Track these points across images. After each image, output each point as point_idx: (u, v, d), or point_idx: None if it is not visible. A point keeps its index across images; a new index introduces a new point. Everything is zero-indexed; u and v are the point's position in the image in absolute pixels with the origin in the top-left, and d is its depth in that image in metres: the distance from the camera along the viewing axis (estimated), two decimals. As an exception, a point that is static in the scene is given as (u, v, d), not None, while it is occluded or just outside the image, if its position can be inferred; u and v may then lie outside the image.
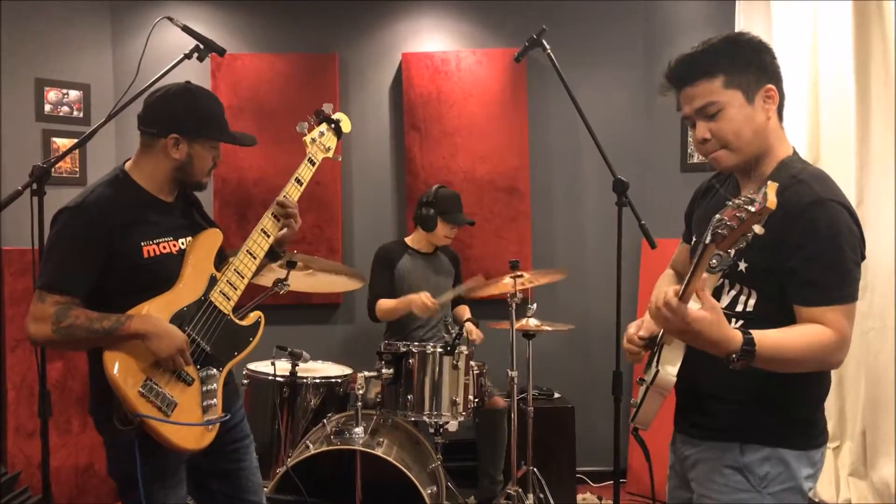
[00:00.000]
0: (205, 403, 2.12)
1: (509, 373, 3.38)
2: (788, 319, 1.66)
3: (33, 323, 2.00)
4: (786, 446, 1.72)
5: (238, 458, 2.36)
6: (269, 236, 2.35)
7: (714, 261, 1.57)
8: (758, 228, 1.44)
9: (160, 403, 2.01)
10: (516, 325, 3.42)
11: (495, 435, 3.76)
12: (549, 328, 3.54)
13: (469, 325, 3.73)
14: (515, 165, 4.52)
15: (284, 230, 2.40)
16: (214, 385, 2.16)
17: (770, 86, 1.73)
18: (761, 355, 1.57)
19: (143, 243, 2.12)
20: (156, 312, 2.07)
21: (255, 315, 2.32)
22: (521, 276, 3.39)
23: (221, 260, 2.33)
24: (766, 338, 1.59)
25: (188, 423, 2.06)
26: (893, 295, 3.23)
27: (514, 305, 3.37)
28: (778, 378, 1.67)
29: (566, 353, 4.51)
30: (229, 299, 2.24)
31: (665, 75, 1.79)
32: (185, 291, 2.16)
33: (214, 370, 2.17)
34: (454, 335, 3.24)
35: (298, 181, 2.47)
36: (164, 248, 2.17)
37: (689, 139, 4.36)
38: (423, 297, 3.61)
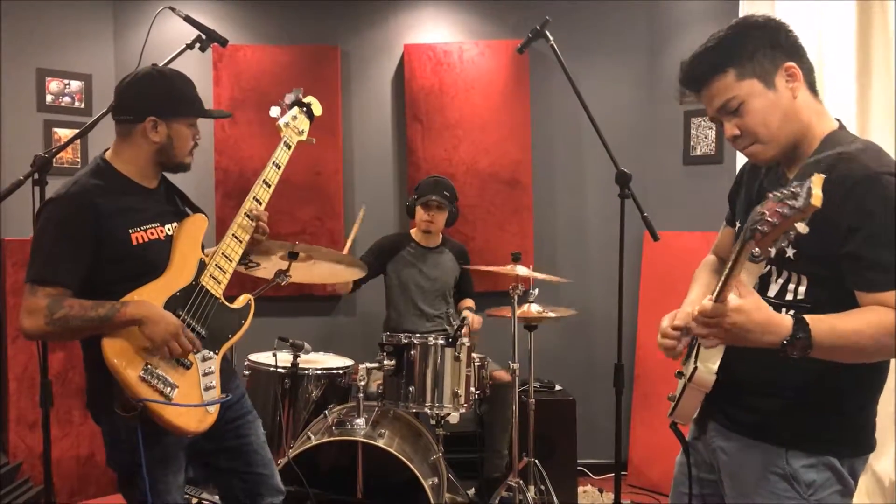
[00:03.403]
0: (204, 386, 2.14)
1: (511, 364, 3.37)
2: (843, 305, 1.52)
3: (27, 316, 2.00)
4: (835, 455, 1.61)
5: (242, 434, 2.36)
6: (253, 221, 2.37)
7: (757, 249, 1.46)
8: (801, 227, 1.31)
9: (162, 387, 2.02)
10: (518, 315, 3.42)
11: (502, 408, 3.72)
12: (550, 314, 3.54)
13: (467, 312, 3.76)
14: (518, 158, 4.51)
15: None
16: (212, 368, 2.18)
17: (789, 63, 1.62)
18: (819, 340, 1.45)
19: (130, 230, 2.11)
20: (150, 298, 2.07)
21: (244, 298, 2.34)
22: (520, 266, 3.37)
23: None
24: (821, 321, 1.47)
25: (191, 405, 2.07)
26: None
27: (515, 296, 3.36)
28: (827, 376, 1.56)
29: (568, 345, 4.51)
30: (219, 283, 2.25)
31: (679, 80, 1.72)
32: (176, 277, 2.17)
33: (212, 353, 2.19)
34: (456, 327, 3.24)
35: (276, 165, 2.50)
36: (152, 234, 2.17)
37: (692, 132, 4.35)
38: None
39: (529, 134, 4.52)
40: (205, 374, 2.15)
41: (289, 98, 2.68)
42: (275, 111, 2.63)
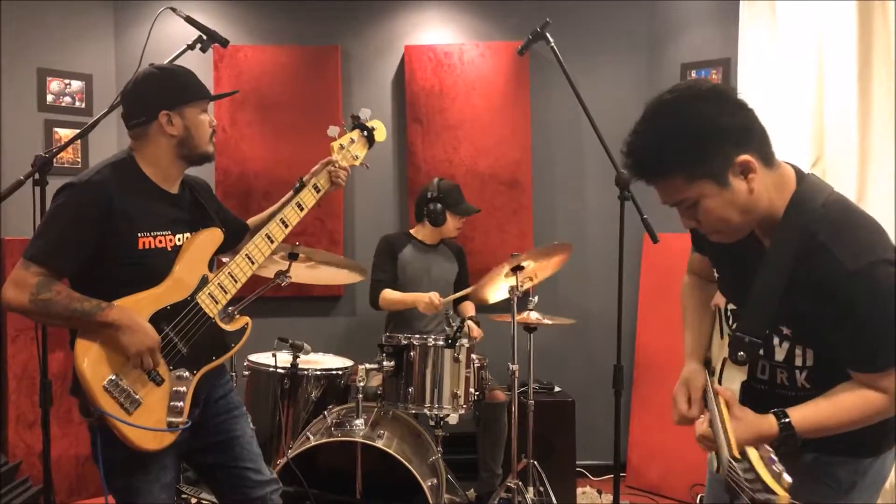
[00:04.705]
0: (171, 405, 2.09)
1: (510, 366, 3.37)
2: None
3: (12, 288, 1.99)
4: (870, 455, 1.65)
5: (228, 429, 2.33)
6: (272, 242, 2.32)
7: (741, 354, 1.55)
8: None
9: (123, 401, 1.99)
10: (517, 319, 3.42)
11: (495, 429, 3.76)
12: (549, 322, 3.54)
13: (470, 323, 3.74)
14: (517, 159, 4.51)
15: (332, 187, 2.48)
16: (185, 388, 2.11)
17: (742, 157, 1.49)
18: (803, 432, 1.52)
19: (139, 234, 2.09)
20: (139, 307, 2.04)
21: (242, 321, 2.28)
22: (521, 267, 3.37)
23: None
24: (806, 418, 1.53)
25: (146, 428, 2.02)
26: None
27: (515, 299, 3.37)
28: None
29: (567, 346, 4.51)
30: (217, 302, 2.20)
31: (622, 164, 1.61)
32: (173, 290, 2.13)
33: (187, 373, 2.13)
34: (455, 328, 3.24)
35: (315, 188, 2.43)
36: (160, 242, 2.14)
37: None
38: (432, 296, 3.64)
39: (529, 135, 4.52)
40: (175, 393, 2.10)
41: (353, 119, 2.60)
42: (333, 131, 2.55)
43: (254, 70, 4.48)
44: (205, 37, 2.85)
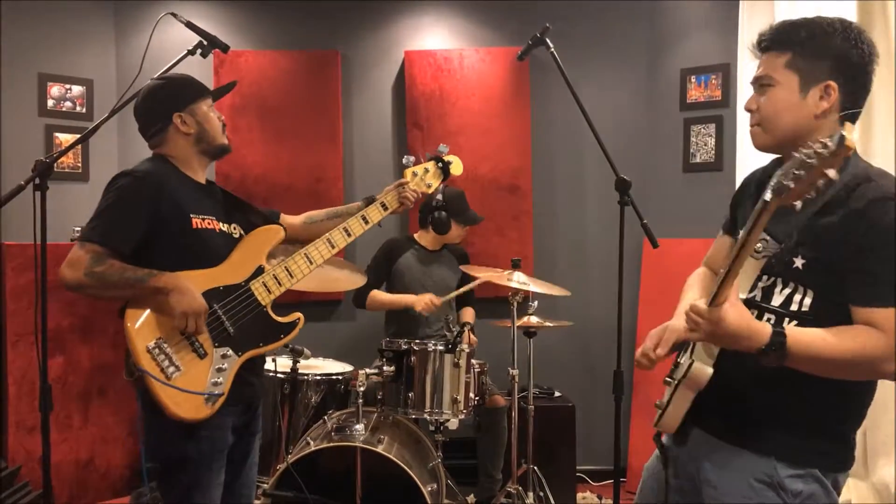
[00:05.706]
0: (212, 381, 2.16)
1: (510, 371, 3.37)
2: (847, 320, 1.55)
3: (67, 267, 2.09)
4: (824, 469, 1.63)
5: (247, 451, 2.42)
6: (333, 248, 2.44)
7: (760, 245, 1.53)
8: (832, 173, 1.28)
9: (164, 365, 2.09)
10: (517, 323, 3.42)
11: (495, 433, 3.76)
12: (550, 324, 3.54)
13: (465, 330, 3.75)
14: (518, 164, 4.51)
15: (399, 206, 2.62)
16: (227, 366, 2.19)
17: (832, 83, 1.61)
18: (794, 352, 1.49)
19: (191, 215, 2.21)
20: (192, 281, 2.15)
21: (295, 315, 2.37)
22: (519, 272, 3.38)
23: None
24: (801, 334, 1.51)
25: (182, 389, 2.09)
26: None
27: (514, 304, 3.37)
28: (821, 390, 1.58)
29: (567, 351, 4.51)
30: (270, 292, 2.31)
31: (759, 33, 1.73)
32: (227, 273, 2.25)
33: (232, 353, 2.21)
34: (455, 333, 3.24)
35: (383, 206, 2.57)
36: (209, 224, 2.27)
37: (692, 139, 4.36)
38: (432, 297, 3.71)
39: (529, 140, 4.53)
40: (218, 370, 2.17)
41: (433, 153, 2.77)
42: (408, 160, 2.72)
43: (254, 75, 4.48)
44: (205, 42, 2.84)
